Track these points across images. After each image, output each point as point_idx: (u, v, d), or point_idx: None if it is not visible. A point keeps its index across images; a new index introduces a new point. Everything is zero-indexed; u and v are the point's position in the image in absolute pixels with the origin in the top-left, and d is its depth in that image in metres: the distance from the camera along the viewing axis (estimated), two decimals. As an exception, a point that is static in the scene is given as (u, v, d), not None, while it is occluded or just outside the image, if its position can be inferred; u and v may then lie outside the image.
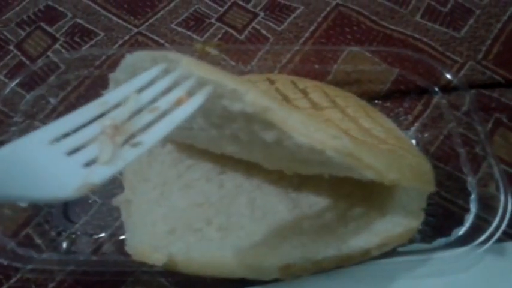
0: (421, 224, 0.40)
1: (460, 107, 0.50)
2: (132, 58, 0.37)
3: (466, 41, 0.60)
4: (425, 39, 0.60)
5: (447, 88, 0.52)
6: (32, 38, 0.62)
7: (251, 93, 0.31)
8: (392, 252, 0.40)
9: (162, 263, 0.37)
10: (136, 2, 0.66)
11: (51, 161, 0.25)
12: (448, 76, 0.52)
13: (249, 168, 0.41)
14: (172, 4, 0.65)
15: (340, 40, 0.61)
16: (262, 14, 0.64)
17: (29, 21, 0.64)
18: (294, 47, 0.59)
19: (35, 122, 0.52)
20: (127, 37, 0.62)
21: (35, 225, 0.46)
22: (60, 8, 0.65)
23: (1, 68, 0.59)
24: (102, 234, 0.45)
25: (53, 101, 0.54)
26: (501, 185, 0.42)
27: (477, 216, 0.42)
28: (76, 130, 0.27)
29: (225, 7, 0.65)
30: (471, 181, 0.45)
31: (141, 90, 0.30)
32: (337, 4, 0.65)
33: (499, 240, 0.40)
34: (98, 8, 0.65)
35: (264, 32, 0.62)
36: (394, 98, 0.55)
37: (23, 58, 0.60)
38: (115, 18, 0.64)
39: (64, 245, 0.45)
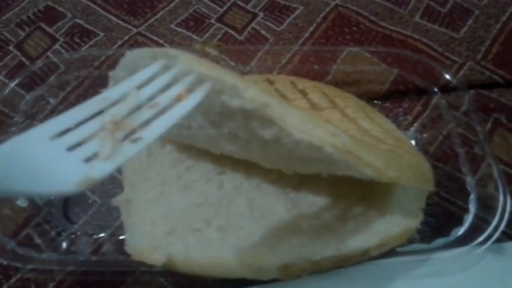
0: (420, 224, 0.40)
1: (459, 107, 0.50)
2: (132, 55, 0.37)
3: (465, 42, 0.60)
4: (424, 40, 0.60)
5: (446, 88, 0.53)
6: (31, 38, 0.62)
7: (250, 90, 0.31)
8: (391, 253, 0.40)
9: (161, 263, 0.38)
10: (136, 3, 0.66)
11: (52, 157, 0.26)
12: (447, 76, 0.52)
13: (248, 168, 0.41)
14: (172, 4, 0.66)
15: (340, 40, 0.61)
16: (261, 14, 0.64)
17: (29, 21, 0.64)
18: (294, 48, 0.59)
19: (35, 122, 0.53)
20: (126, 37, 0.62)
21: (35, 225, 0.46)
22: (60, 9, 0.65)
23: (1, 69, 0.59)
24: (102, 234, 0.46)
25: (52, 101, 0.54)
26: (500, 185, 0.42)
27: (476, 217, 0.42)
28: (76, 126, 0.27)
29: (225, 7, 0.65)
30: (470, 181, 0.45)
31: (140, 86, 0.30)
32: (336, 5, 0.65)
33: (498, 240, 0.40)
34: (97, 8, 0.65)
35: (263, 32, 0.62)
36: (393, 98, 0.55)
37: (23, 58, 0.60)
38: (114, 19, 0.64)
39: (64, 245, 0.45)
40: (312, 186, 0.41)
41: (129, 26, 0.63)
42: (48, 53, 0.61)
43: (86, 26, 0.64)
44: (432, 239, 0.42)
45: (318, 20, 0.63)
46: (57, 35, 0.63)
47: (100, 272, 0.41)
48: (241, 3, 0.66)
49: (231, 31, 0.62)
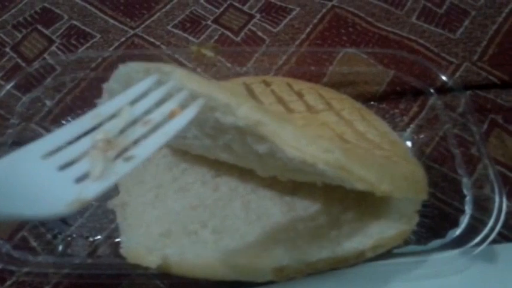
0: (416, 226, 0.40)
1: (456, 108, 0.50)
2: (125, 69, 0.37)
3: (462, 42, 0.60)
4: (420, 41, 0.60)
5: (443, 89, 0.52)
6: (28, 40, 0.62)
7: (243, 108, 0.31)
8: (387, 254, 0.40)
9: (156, 265, 0.37)
10: (133, 4, 0.66)
11: (44, 177, 0.26)
12: (444, 77, 0.52)
13: (243, 171, 0.41)
14: (169, 6, 0.66)
15: (336, 42, 0.61)
16: (258, 15, 0.64)
17: (26, 23, 0.64)
18: (290, 49, 0.59)
19: (31, 124, 0.53)
20: (123, 39, 0.62)
21: (31, 227, 0.46)
22: (57, 10, 0.65)
23: (-3, 71, 0.59)
24: (98, 237, 0.45)
25: (49, 103, 0.54)
26: (496, 186, 0.42)
27: (472, 218, 0.42)
28: (69, 143, 0.27)
29: (221, 9, 0.65)
30: (466, 182, 0.45)
31: (134, 101, 0.30)
32: (332, 6, 0.65)
33: (494, 241, 0.40)
34: (94, 10, 0.65)
35: (260, 33, 0.62)
36: (389, 99, 0.55)
37: (19, 60, 0.60)
38: (111, 20, 0.64)
39: (60, 247, 0.45)
40: (307, 190, 0.41)
41: (125, 28, 0.63)
42: (45, 55, 0.61)
43: (83, 27, 0.63)
44: (428, 240, 0.42)
45: (315, 21, 0.63)
46: (53, 37, 0.63)
47: (96, 275, 0.41)
48: (237, 5, 0.66)
49: (227, 32, 0.62)
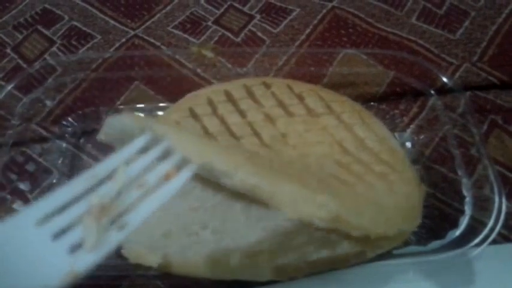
0: (416, 227, 0.40)
1: (456, 109, 0.50)
2: (114, 122, 0.37)
3: (461, 43, 0.60)
4: (420, 41, 0.61)
5: (442, 90, 0.53)
6: (29, 41, 0.62)
7: (240, 173, 0.32)
8: (387, 255, 0.40)
9: (157, 264, 0.38)
10: (133, 5, 0.66)
11: (37, 247, 0.26)
12: (444, 78, 0.52)
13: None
14: (169, 7, 0.66)
15: (336, 42, 0.61)
16: (258, 16, 0.64)
17: (26, 24, 0.64)
18: (290, 50, 0.59)
19: (32, 125, 0.53)
20: (124, 40, 0.62)
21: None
22: (57, 11, 0.66)
23: (-2, 71, 0.59)
24: (99, 237, 0.45)
25: (49, 103, 0.54)
26: (495, 186, 0.42)
27: (472, 218, 0.42)
28: (66, 206, 0.27)
29: (222, 10, 0.65)
30: (466, 183, 0.45)
31: (129, 161, 0.30)
32: (333, 6, 0.65)
33: (494, 242, 0.40)
34: (94, 10, 0.66)
35: (260, 34, 0.62)
36: (390, 100, 0.56)
37: (20, 61, 0.60)
38: (112, 21, 0.64)
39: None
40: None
41: (126, 29, 0.63)
42: (46, 56, 0.61)
43: (83, 28, 0.64)
44: (428, 241, 0.42)
45: (315, 22, 0.63)
46: (54, 38, 0.63)
47: (96, 276, 0.41)
48: (238, 6, 0.66)
49: (227, 33, 0.63)
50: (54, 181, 0.49)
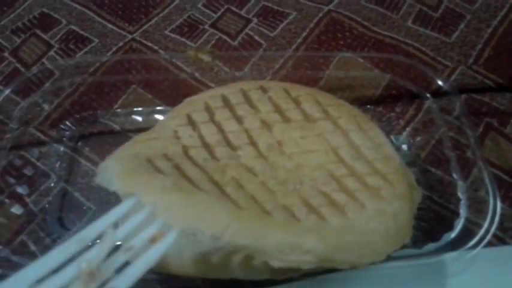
0: (412, 229, 0.40)
1: (451, 112, 0.50)
2: (107, 173, 0.38)
3: (457, 46, 0.61)
4: (416, 45, 0.61)
5: (438, 93, 0.53)
6: (26, 45, 0.63)
7: (226, 235, 0.34)
8: (383, 257, 0.40)
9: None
10: (131, 9, 0.66)
11: None
12: (439, 81, 0.53)
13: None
14: (166, 11, 0.66)
15: (332, 46, 0.62)
16: (255, 20, 0.65)
17: (24, 28, 0.64)
18: (287, 53, 0.59)
19: (30, 129, 0.53)
20: (121, 44, 0.62)
21: (30, 232, 0.46)
22: (55, 15, 0.66)
23: (-4, 75, 0.59)
24: (97, 241, 0.46)
25: (47, 107, 0.54)
26: (490, 189, 0.42)
27: (467, 221, 0.42)
28: (56, 270, 0.28)
29: (219, 13, 0.66)
30: (462, 185, 0.45)
31: (118, 223, 0.32)
32: (329, 10, 0.65)
33: (489, 244, 0.40)
34: (92, 14, 0.66)
35: (257, 38, 0.63)
36: (386, 103, 0.56)
37: (18, 65, 0.60)
38: (109, 25, 0.64)
39: (58, 251, 0.45)
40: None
41: (123, 32, 0.64)
42: (43, 60, 0.61)
43: (81, 32, 0.64)
44: (424, 243, 0.42)
45: (311, 25, 0.64)
46: (52, 42, 0.63)
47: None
48: (235, 9, 0.66)
49: (224, 37, 0.63)
50: (52, 185, 0.49)
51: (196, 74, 0.57)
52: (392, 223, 0.37)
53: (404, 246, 0.41)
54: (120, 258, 0.30)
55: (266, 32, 0.63)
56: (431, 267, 0.40)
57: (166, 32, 0.64)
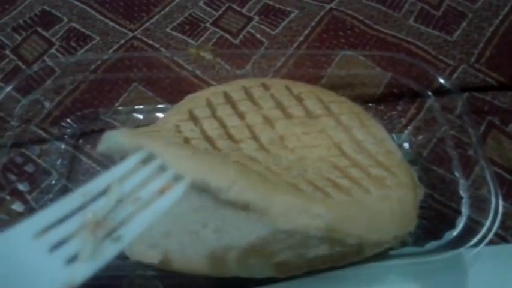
0: (413, 227, 0.40)
1: (453, 110, 0.50)
2: (112, 138, 0.37)
3: (459, 45, 0.61)
4: (418, 43, 0.61)
5: (440, 91, 0.53)
6: (28, 42, 0.63)
7: (234, 189, 0.33)
8: (384, 255, 0.40)
9: (157, 261, 0.38)
10: (132, 7, 0.66)
11: (35, 259, 0.26)
12: (441, 79, 0.52)
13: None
14: (168, 8, 0.66)
15: (334, 44, 0.62)
16: (256, 18, 0.64)
17: (25, 25, 0.64)
18: (288, 51, 0.59)
19: (31, 126, 0.53)
20: (122, 41, 0.62)
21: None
22: (56, 13, 0.66)
23: (-3, 73, 0.59)
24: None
25: (48, 105, 0.54)
26: (492, 187, 0.42)
27: (469, 219, 0.42)
28: (60, 221, 0.27)
29: (220, 11, 0.65)
30: (463, 184, 0.45)
31: (123, 178, 0.30)
32: (331, 8, 0.65)
33: (491, 242, 0.40)
34: (93, 12, 0.66)
35: (258, 36, 0.63)
36: (387, 101, 0.56)
37: (19, 63, 0.60)
38: (111, 23, 0.64)
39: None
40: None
41: (125, 30, 0.63)
42: (44, 57, 0.61)
43: (82, 30, 0.64)
44: (425, 241, 0.42)
45: (313, 23, 0.63)
46: (53, 39, 0.63)
47: (95, 276, 0.41)
48: (236, 7, 0.66)
49: (226, 35, 0.63)
50: (53, 182, 0.49)
51: (198, 72, 0.57)
52: (397, 207, 0.37)
53: (405, 244, 0.42)
54: (127, 208, 0.29)
55: (268, 30, 0.63)
56: (433, 265, 0.40)
57: (168, 30, 0.63)
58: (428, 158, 0.51)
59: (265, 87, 0.46)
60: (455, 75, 0.57)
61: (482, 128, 0.54)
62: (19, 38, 0.63)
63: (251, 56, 0.58)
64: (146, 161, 0.33)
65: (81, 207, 0.28)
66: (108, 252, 0.27)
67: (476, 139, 0.46)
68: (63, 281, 0.25)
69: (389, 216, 0.37)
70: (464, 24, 0.63)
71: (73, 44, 0.62)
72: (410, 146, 0.52)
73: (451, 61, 0.59)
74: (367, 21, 0.64)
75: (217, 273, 0.39)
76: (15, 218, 0.47)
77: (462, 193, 0.45)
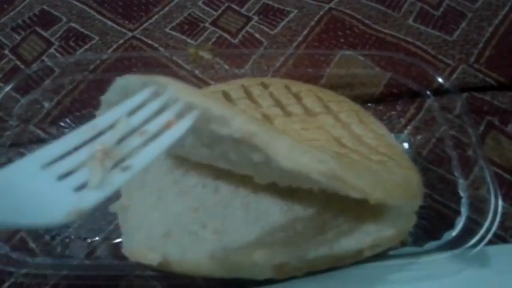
0: (413, 227, 0.40)
1: (452, 110, 0.50)
2: (122, 82, 0.37)
3: (458, 45, 0.61)
4: (417, 43, 0.61)
5: (439, 91, 0.53)
6: (27, 42, 0.62)
7: (238, 119, 0.32)
8: (384, 255, 0.40)
9: (157, 263, 0.38)
10: (131, 7, 0.66)
11: (44, 186, 0.26)
12: (440, 79, 0.52)
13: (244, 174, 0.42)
14: (167, 8, 0.66)
15: (333, 44, 0.61)
16: (255, 18, 0.64)
17: (24, 25, 0.64)
18: (287, 51, 0.59)
19: (30, 126, 0.53)
20: (121, 41, 0.62)
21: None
22: (55, 13, 0.66)
23: (-4, 73, 0.59)
24: (96, 238, 0.46)
25: (47, 105, 0.54)
26: (492, 187, 0.42)
27: (469, 219, 0.42)
28: (67, 154, 0.28)
29: (219, 11, 0.65)
30: (463, 184, 0.45)
31: (131, 113, 0.30)
32: (330, 8, 0.65)
33: (490, 242, 0.40)
34: (92, 12, 0.66)
35: (257, 35, 0.62)
36: (387, 101, 0.56)
37: (18, 62, 0.60)
38: (110, 23, 0.64)
39: (58, 249, 0.45)
40: (306, 190, 0.41)
41: (124, 30, 0.63)
42: (44, 57, 0.61)
43: (81, 30, 0.64)
44: (424, 241, 0.42)
45: (312, 23, 0.63)
46: (52, 39, 0.63)
47: (94, 276, 0.41)
48: (235, 7, 0.66)
49: (225, 34, 0.63)
50: (52, 182, 0.49)
51: (197, 72, 0.57)
52: (402, 179, 0.37)
53: (405, 244, 0.42)
54: (134, 140, 0.29)
55: (267, 30, 0.63)
56: (432, 265, 0.40)
57: (167, 29, 0.63)
58: (427, 158, 0.51)
59: (264, 86, 0.46)
60: (454, 75, 0.57)
61: (482, 128, 0.54)
62: (18, 38, 0.63)
63: (250, 55, 0.58)
64: (152, 98, 0.32)
65: (90, 140, 0.28)
66: (117, 181, 0.27)
67: (475, 139, 0.46)
68: (71, 206, 0.25)
69: (395, 183, 0.35)
70: (463, 24, 0.63)
71: (72, 44, 0.62)
72: (410, 146, 0.52)
73: (450, 61, 0.59)
74: (367, 21, 0.64)
75: (217, 274, 0.39)
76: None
77: (461, 193, 0.45)
